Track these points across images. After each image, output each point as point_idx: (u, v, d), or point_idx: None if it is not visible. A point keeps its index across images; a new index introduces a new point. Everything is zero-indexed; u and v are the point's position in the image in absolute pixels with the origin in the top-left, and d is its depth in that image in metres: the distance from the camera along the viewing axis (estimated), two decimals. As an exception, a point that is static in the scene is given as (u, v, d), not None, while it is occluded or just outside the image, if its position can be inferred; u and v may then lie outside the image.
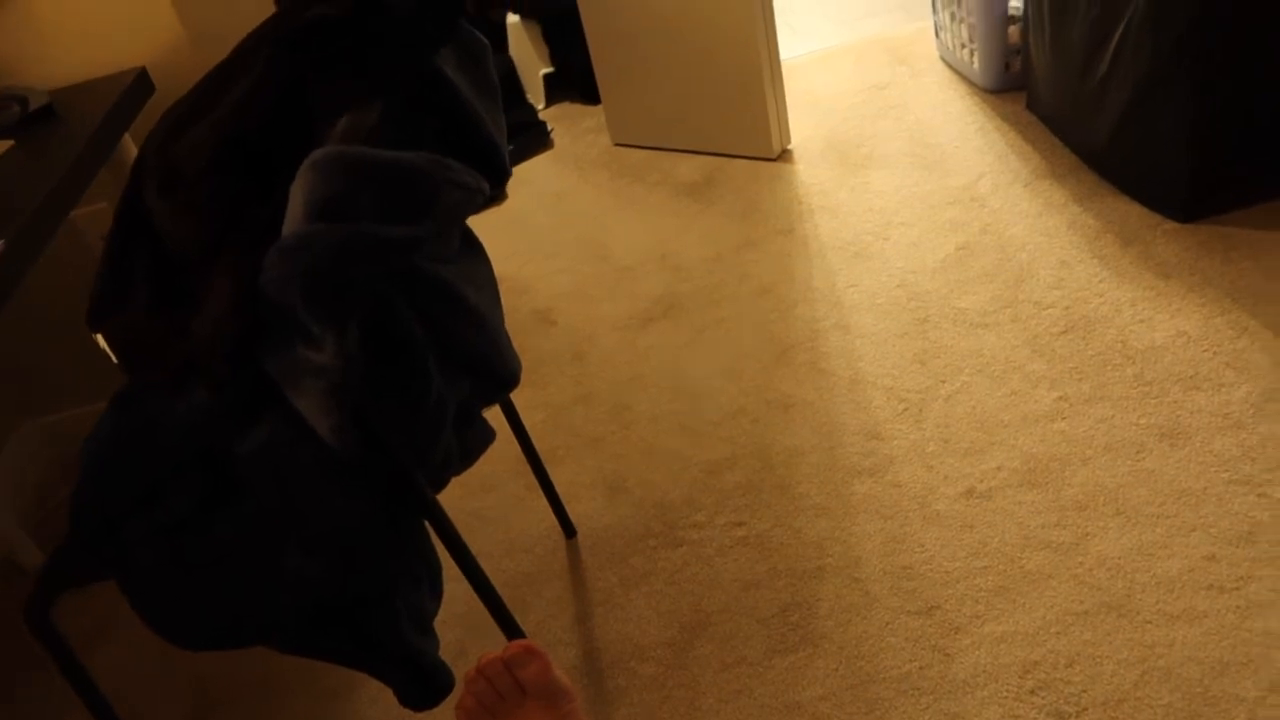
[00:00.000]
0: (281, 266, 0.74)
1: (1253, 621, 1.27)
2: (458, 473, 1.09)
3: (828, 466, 1.66)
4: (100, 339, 1.02)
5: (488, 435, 1.12)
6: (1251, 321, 1.68)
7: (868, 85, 2.72)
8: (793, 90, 2.77)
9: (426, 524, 1.04)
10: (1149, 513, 1.44)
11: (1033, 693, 1.27)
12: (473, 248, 1.17)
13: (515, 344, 1.12)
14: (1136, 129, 1.92)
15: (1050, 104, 2.25)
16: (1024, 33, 2.33)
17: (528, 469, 1.63)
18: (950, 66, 2.68)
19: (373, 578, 0.96)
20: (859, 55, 2.88)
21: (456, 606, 1.56)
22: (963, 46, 2.54)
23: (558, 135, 2.94)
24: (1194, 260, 1.83)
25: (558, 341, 2.13)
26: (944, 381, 1.75)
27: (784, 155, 2.53)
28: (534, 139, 2.90)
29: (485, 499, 1.80)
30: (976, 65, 2.50)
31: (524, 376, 2.11)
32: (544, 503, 1.69)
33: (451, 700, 1.01)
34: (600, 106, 2.84)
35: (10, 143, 1.66)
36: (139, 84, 1.82)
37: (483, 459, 1.14)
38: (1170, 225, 1.92)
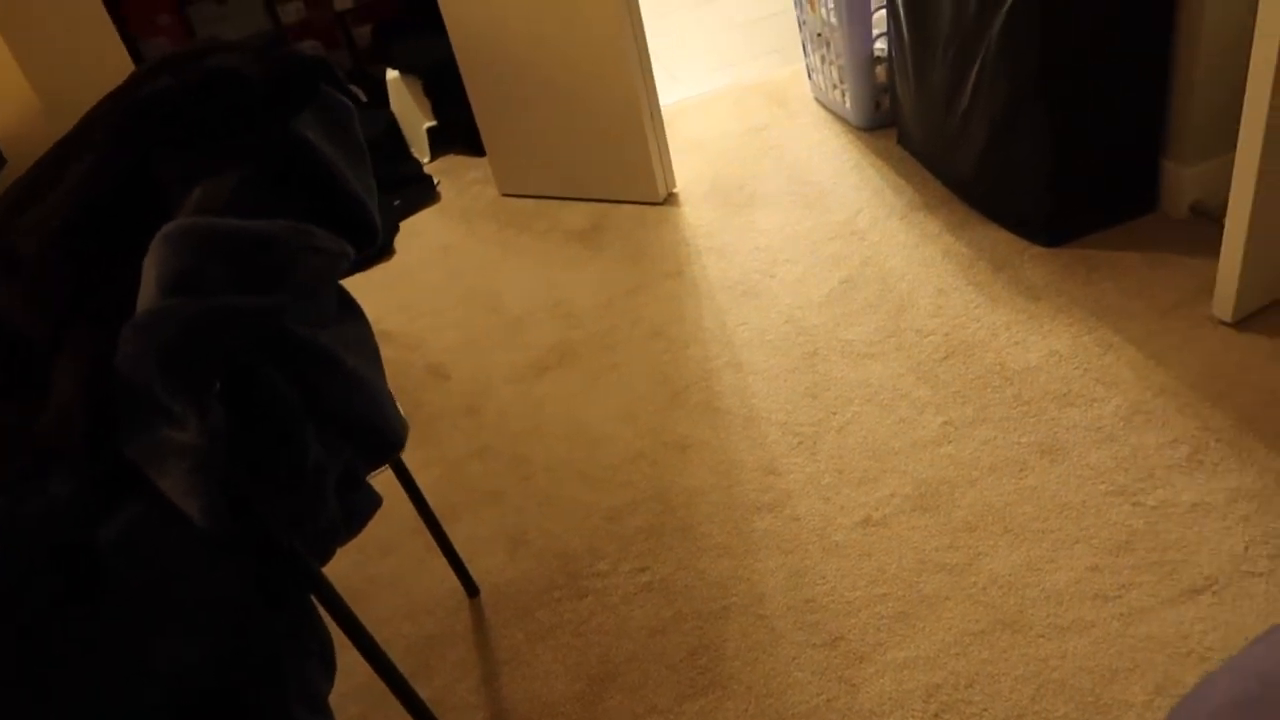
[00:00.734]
0: (135, 343, 0.71)
1: (1136, 628, 1.32)
2: (343, 542, 1.06)
3: (727, 505, 1.67)
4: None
5: (374, 501, 1.09)
6: (1115, 338, 1.76)
7: (747, 128, 2.79)
8: (675, 135, 2.82)
9: (313, 598, 1.00)
10: (1034, 529, 1.49)
11: (936, 716, 1.29)
12: (350, 310, 1.14)
13: (407, 400, 1.10)
14: (998, 160, 2.01)
15: (919, 139, 2.34)
16: (890, 72, 2.43)
17: (425, 529, 1.60)
18: (825, 107, 2.77)
19: (256, 660, 0.92)
20: (737, 99, 2.96)
21: (356, 678, 1.51)
22: (834, 87, 2.63)
23: (444, 188, 2.92)
24: (1060, 282, 1.92)
25: (451, 396, 2.10)
26: (835, 413, 1.78)
27: (670, 199, 2.57)
28: (420, 193, 2.88)
29: (383, 563, 1.75)
30: (848, 105, 2.59)
31: (418, 433, 2.08)
32: (444, 562, 1.65)
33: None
34: (485, 158, 2.84)
35: None
36: (-8, 155, 1.75)
37: (379, 521, 1.11)
38: (1036, 250, 2.02)
